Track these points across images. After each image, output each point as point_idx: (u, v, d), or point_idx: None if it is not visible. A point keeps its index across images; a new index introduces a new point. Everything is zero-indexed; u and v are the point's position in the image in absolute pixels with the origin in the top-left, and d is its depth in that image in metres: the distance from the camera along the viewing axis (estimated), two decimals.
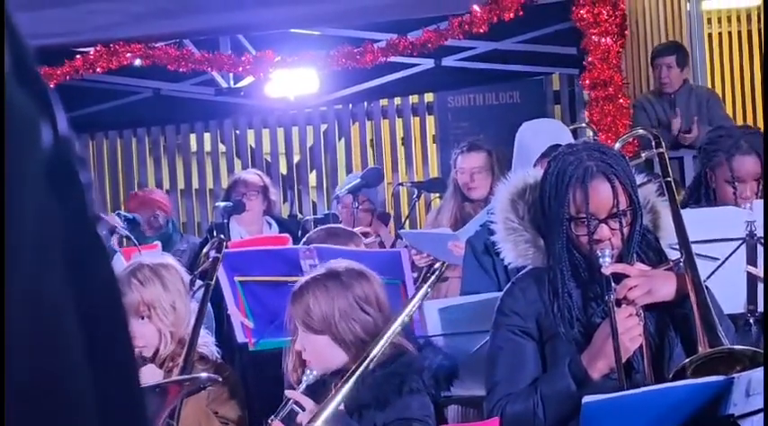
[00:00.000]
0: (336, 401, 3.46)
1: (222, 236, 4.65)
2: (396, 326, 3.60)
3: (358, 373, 3.50)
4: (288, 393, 3.70)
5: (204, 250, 4.71)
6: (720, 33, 13.98)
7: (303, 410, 3.63)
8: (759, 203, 4.58)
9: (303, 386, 3.70)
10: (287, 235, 6.89)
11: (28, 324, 0.81)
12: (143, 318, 4.16)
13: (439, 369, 3.70)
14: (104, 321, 0.90)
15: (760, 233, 4.43)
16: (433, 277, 3.80)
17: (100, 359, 0.87)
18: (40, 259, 0.83)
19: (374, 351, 3.55)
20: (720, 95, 10.03)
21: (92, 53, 8.15)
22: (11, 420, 0.81)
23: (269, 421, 3.68)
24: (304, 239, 5.29)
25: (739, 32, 14.03)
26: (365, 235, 6.53)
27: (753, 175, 4.92)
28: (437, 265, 3.89)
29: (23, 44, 0.90)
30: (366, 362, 3.53)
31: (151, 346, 4.17)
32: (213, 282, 4.43)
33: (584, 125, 6.36)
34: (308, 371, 3.71)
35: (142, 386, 0.97)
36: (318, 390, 3.70)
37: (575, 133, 7.60)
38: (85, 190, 0.92)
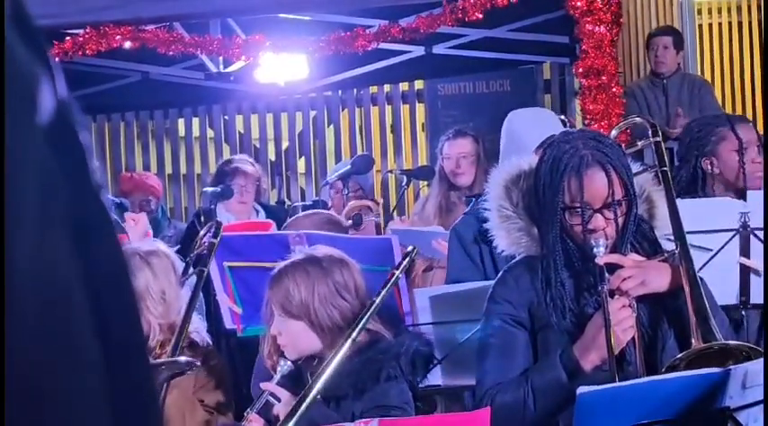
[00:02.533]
0: (314, 391, 3.43)
1: (219, 221, 4.60)
2: (370, 313, 3.58)
3: (335, 362, 3.48)
4: (263, 385, 3.68)
5: (201, 233, 4.67)
6: (711, 24, 13.97)
7: (279, 401, 3.61)
8: (753, 194, 4.57)
9: (278, 376, 3.68)
10: (270, 221, 6.87)
11: (31, 286, 0.78)
12: None
13: (416, 355, 3.67)
14: (110, 287, 0.86)
15: (753, 224, 4.41)
16: (404, 261, 3.77)
17: (107, 329, 0.84)
18: (44, 217, 0.79)
19: (350, 339, 3.52)
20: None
21: (81, 35, 8.09)
22: (19, 389, 0.77)
23: (245, 415, 3.66)
24: (289, 221, 5.27)
25: (730, 23, 14.02)
26: (370, 209, 6.51)
27: (754, 141, 5.05)
28: (408, 248, 3.86)
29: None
30: (343, 350, 3.50)
31: None
32: (207, 269, 4.40)
33: (562, 117, 6.33)
34: (283, 362, 3.69)
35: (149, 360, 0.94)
36: (293, 378, 3.69)
37: (563, 110, 7.61)
38: (87, 151, 0.89)
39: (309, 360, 3.73)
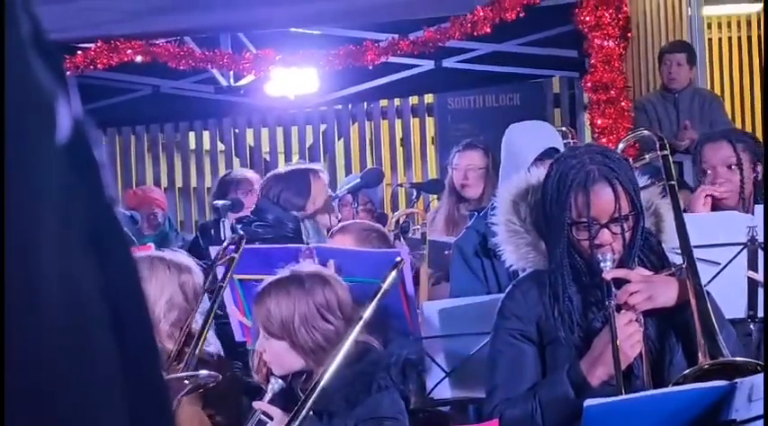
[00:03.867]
0: (305, 408, 3.41)
1: (243, 235, 4.61)
2: (358, 329, 3.54)
3: (325, 378, 3.46)
4: (255, 404, 3.67)
5: (224, 244, 4.67)
6: (720, 38, 13.99)
7: (271, 419, 3.61)
8: (761, 208, 4.58)
9: (269, 395, 3.67)
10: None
11: (55, 304, 0.80)
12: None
13: (406, 364, 3.66)
14: (125, 303, 0.89)
15: (761, 238, 4.42)
16: (394, 272, 3.75)
17: (123, 342, 0.86)
18: (65, 233, 0.82)
19: (339, 356, 3.49)
20: None
21: (92, 49, 8.13)
22: (42, 394, 0.80)
23: None
24: (330, 235, 5.30)
25: (739, 38, 14.04)
26: (409, 216, 6.52)
27: (716, 163, 5.02)
28: (396, 259, 3.85)
29: (37, 15, 0.88)
30: (332, 367, 3.47)
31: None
32: (226, 284, 4.41)
33: (563, 129, 6.35)
34: (273, 380, 3.68)
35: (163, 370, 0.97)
36: (284, 394, 3.68)
37: (572, 123, 7.63)
38: (101, 168, 0.91)
39: (298, 376, 3.72)
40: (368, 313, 3.57)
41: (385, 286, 3.71)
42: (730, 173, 4.96)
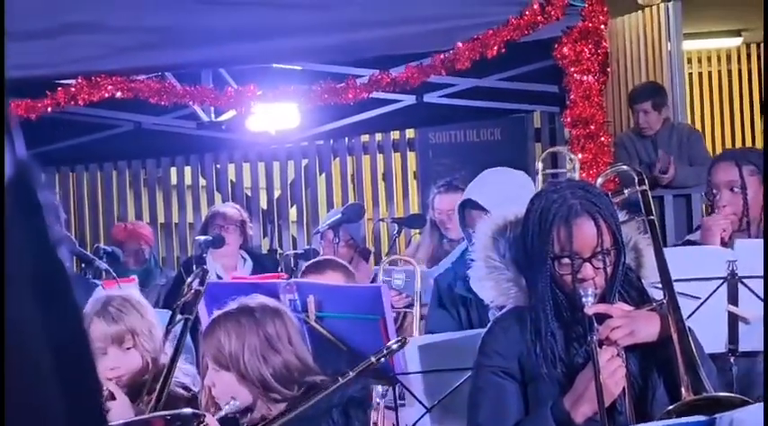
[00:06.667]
0: None
1: (205, 268, 4.62)
2: (333, 389, 3.52)
3: (282, 421, 3.44)
4: (207, 417, 3.65)
5: (188, 280, 4.68)
6: (701, 73, 14.07)
7: None
8: (740, 242, 4.59)
9: (223, 412, 3.65)
10: (283, 274, 6.88)
11: (9, 342, 0.80)
12: (128, 347, 4.15)
13: (350, 403, 3.64)
14: (68, 339, 0.88)
15: (741, 272, 4.43)
16: (396, 346, 3.72)
17: (65, 384, 0.85)
18: (11, 276, 0.81)
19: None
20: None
21: (73, 85, 8.12)
22: None
23: None
24: (302, 269, 5.31)
25: (719, 71, 14.13)
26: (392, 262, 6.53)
27: (724, 184, 4.94)
28: (400, 338, 3.83)
29: None
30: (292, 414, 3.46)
31: (134, 373, 4.15)
32: (193, 316, 4.41)
33: (563, 150, 6.38)
34: (233, 400, 3.67)
35: (104, 409, 0.97)
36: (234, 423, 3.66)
37: (554, 157, 7.64)
38: (46, 211, 0.90)
39: (245, 412, 3.70)
40: (346, 378, 3.55)
41: (374, 360, 3.67)
42: (733, 195, 4.91)
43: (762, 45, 13.85)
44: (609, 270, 3.38)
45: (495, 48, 7.79)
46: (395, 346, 3.64)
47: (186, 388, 4.21)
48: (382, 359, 3.62)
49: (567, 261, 3.36)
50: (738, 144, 13.95)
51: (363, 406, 3.70)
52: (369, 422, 3.72)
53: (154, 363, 4.19)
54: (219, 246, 7.41)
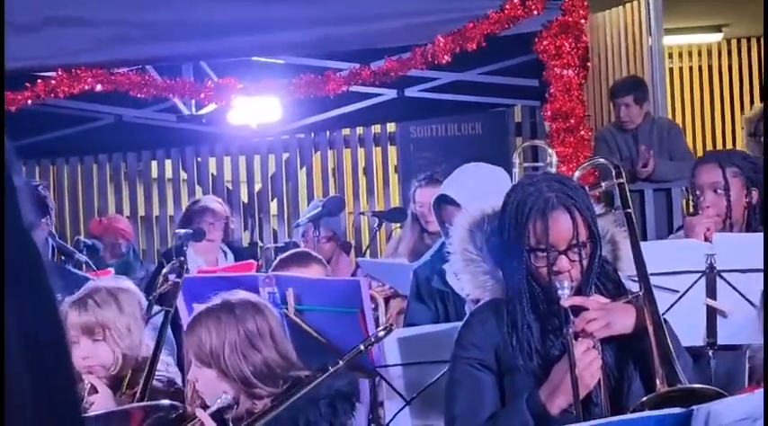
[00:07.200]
0: None
1: (182, 259, 4.61)
2: (317, 382, 3.52)
3: (268, 417, 3.44)
4: (197, 411, 3.66)
5: (163, 271, 4.68)
6: (681, 68, 14.11)
7: None
8: (719, 236, 4.61)
9: (215, 407, 3.66)
10: (252, 261, 6.89)
11: None
12: (97, 339, 4.14)
13: (337, 396, 3.65)
14: (41, 327, 0.88)
15: (719, 266, 4.45)
16: (383, 333, 3.73)
17: (39, 374, 0.85)
18: None
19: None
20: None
21: (53, 78, 8.11)
22: None
23: None
24: (273, 266, 5.30)
25: (700, 67, 14.17)
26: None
27: (707, 186, 4.98)
28: (386, 325, 3.83)
29: None
30: (280, 408, 3.46)
31: (104, 366, 4.15)
32: (173, 309, 4.41)
33: (540, 143, 6.40)
34: (225, 395, 3.68)
35: (79, 400, 0.96)
36: (220, 419, 3.66)
37: (535, 152, 7.66)
38: (21, 195, 0.90)
39: (228, 410, 3.70)
40: (325, 375, 3.55)
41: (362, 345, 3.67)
42: (717, 197, 4.93)
43: (742, 41, 13.90)
44: (585, 262, 3.39)
45: (476, 41, 7.79)
46: (382, 333, 3.64)
47: (171, 382, 4.21)
48: (370, 347, 3.61)
49: (542, 253, 3.37)
50: (718, 138, 14.00)
51: (351, 400, 3.70)
52: (356, 416, 3.73)
53: (125, 359, 4.17)
54: (200, 240, 7.40)
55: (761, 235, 4.73)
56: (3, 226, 0.80)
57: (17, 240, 0.88)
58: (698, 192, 4.98)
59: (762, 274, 4.24)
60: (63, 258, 6.98)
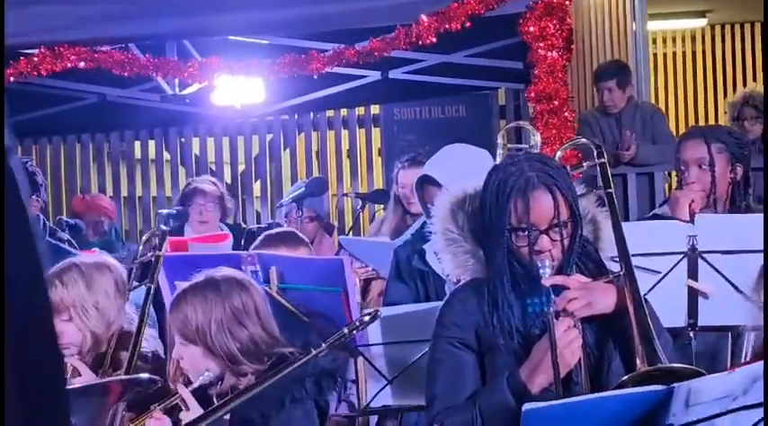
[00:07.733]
0: (218, 413, 3.37)
1: (165, 229, 4.60)
2: (305, 361, 3.50)
3: (252, 393, 3.44)
4: (179, 387, 3.65)
5: (143, 238, 4.67)
6: (665, 53, 14.12)
7: (187, 409, 3.59)
8: (701, 217, 4.61)
9: (197, 384, 3.65)
10: (228, 232, 6.88)
11: None
12: (64, 319, 4.10)
13: (322, 375, 3.65)
14: (29, 309, 0.88)
15: (701, 247, 4.46)
16: (368, 318, 3.72)
17: (23, 348, 0.86)
18: None
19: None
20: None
21: (35, 55, 8.08)
22: None
23: (151, 408, 3.63)
24: (252, 246, 5.29)
25: (684, 52, 14.18)
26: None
27: (693, 161, 5.00)
28: (372, 310, 3.83)
29: None
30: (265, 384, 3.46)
31: (73, 345, 4.12)
32: (154, 284, 4.39)
33: (525, 124, 6.40)
34: (207, 372, 3.67)
35: (66, 375, 0.96)
36: (200, 395, 3.67)
37: (518, 133, 7.67)
38: (13, 173, 0.90)
39: (213, 386, 3.70)
40: (312, 354, 3.54)
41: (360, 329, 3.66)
42: (701, 172, 4.95)
43: (726, 26, 13.92)
44: (566, 242, 3.39)
45: (459, 21, 7.79)
46: (367, 318, 3.62)
47: (155, 356, 4.19)
48: (355, 332, 3.61)
49: (524, 233, 3.37)
50: (701, 123, 14.02)
51: (335, 377, 3.71)
52: (341, 393, 3.74)
53: (95, 337, 4.14)
54: (184, 221, 7.39)
55: (743, 216, 4.75)
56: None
57: (15, 214, 0.89)
58: (683, 168, 4.99)
59: (744, 255, 4.27)
60: (45, 237, 6.97)
